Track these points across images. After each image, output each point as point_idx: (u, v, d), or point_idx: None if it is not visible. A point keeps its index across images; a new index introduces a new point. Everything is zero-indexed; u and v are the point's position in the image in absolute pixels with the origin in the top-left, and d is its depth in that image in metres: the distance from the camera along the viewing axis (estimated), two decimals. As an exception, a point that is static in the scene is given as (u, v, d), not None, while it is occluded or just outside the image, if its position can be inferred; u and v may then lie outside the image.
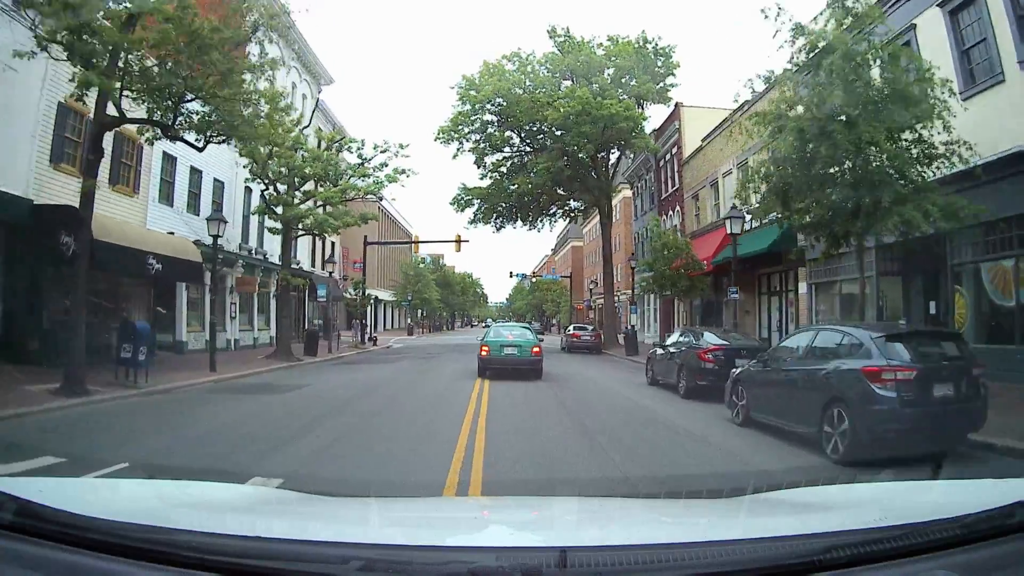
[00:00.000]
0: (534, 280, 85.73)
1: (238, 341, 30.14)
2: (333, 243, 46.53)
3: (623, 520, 2.53)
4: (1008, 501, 1.69)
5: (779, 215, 13.80)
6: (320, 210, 25.41)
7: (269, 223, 25.97)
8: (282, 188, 25.21)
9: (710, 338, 14.17)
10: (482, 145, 37.15)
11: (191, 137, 15.62)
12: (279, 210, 24.07)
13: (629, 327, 32.35)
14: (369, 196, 26.46)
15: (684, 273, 24.07)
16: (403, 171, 25.67)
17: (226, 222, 20.98)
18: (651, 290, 27.00)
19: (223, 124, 14.01)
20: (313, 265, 41.89)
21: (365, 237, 41.13)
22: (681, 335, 15.52)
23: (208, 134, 14.65)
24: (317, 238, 41.18)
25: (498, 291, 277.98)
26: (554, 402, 12.92)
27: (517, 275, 70.05)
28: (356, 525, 2.34)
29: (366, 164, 26.13)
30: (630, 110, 30.93)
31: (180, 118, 14.45)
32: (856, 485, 3.12)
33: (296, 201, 25.00)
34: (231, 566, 1.52)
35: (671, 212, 36.76)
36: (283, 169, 24.27)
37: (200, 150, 15.62)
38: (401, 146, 26.09)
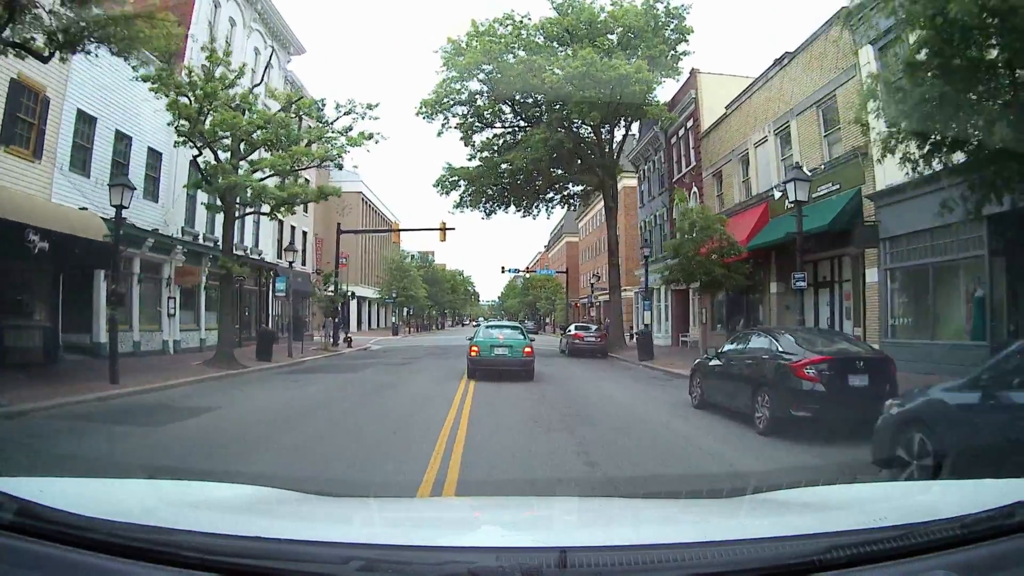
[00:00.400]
0: (528, 276, 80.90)
1: (179, 343, 25.37)
2: (305, 232, 41.73)
3: (623, 520, 2.48)
4: (1008, 501, 1.66)
5: (916, 151, 9.10)
6: (268, 181, 20.61)
7: (205, 198, 21.27)
8: (225, 156, 20.49)
9: (791, 343, 9.47)
10: (470, 119, 32.45)
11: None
12: (216, 181, 19.31)
13: (642, 326, 27.66)
14: (327, 163, 21.54)
15: (717, 259, 19.38)
16: (370, 135, 20.91)
17: (133, 188, 16.21)
18: (674, 280, 22.23)
19: (74, 21, 9.25)
20: (280, 256, 37.08)
21: (339, 225, 36.40)
22: (746, 338, 10.80)
23: (60, 39, 9.91)
24: (283, 224, 36.43)
25: (490, 289, 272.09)
26: (573, 449, 8.02)
27: (510, 270, 64.81)
28: (356, 525, 2.32)
29: (325, 126, 21.35)
30: (641, 71, 26.26)
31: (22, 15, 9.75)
32: (856, 485, 3.10)
33: (242, 173, 20.21)
34: (231, 566, 1.49)
35: (686, 195, 32.15)
36: (222, 130, 19.51)
37: (45, 60, 10.90)
38: (369, 106, 21.34)
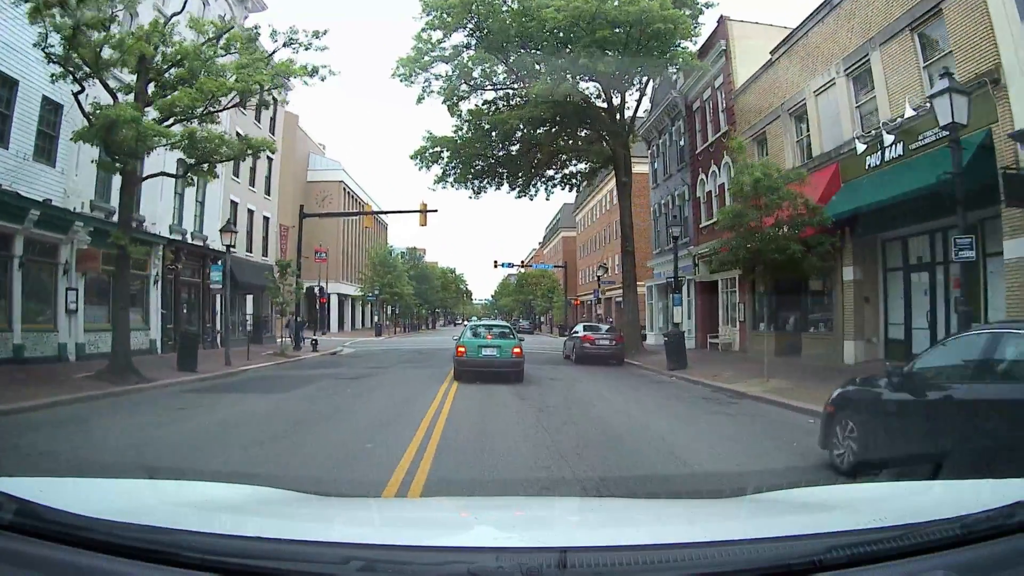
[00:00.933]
0: (523, 269, 75.14)
1: (83, 347, 19.98)
2: (267, 218, 36.32)
3: (623, 520, 2.43)
4: (1008, 501, 1.62)
5: None
6: (176, 127, 15.28)
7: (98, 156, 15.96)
8: (127, 99, 15.20)
9: None
10: (455, 81, 27.08)
11: None
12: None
13: (672, 326, 22.37)
14: (249, 97, 15.94)
15: (790, 233, 13.99)
16: (314, 70, 15.55)
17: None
18: (730, 263, 16.72)
19: None
20: (250, 249, 31.75)
21: (301, 207, 31.06)
22: (987, 343, 5.21)
23: None
24: (237, 206, 31.08)
25: (485, 288, 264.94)
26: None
27: (502, 264, 58.57)
28: (356, 525, 2.29)
29: (256, 55, 15.94)
30: (667, 8, 21.01)
31: None
32: (856, 485, 3.14)
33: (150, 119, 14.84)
34: (231, 566, 1.48)
35: (714, 168, 26.95)
36: (112, 49, 14.23)
37: None
38: (316, 34, 16.01)
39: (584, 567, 1.45)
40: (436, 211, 29.12)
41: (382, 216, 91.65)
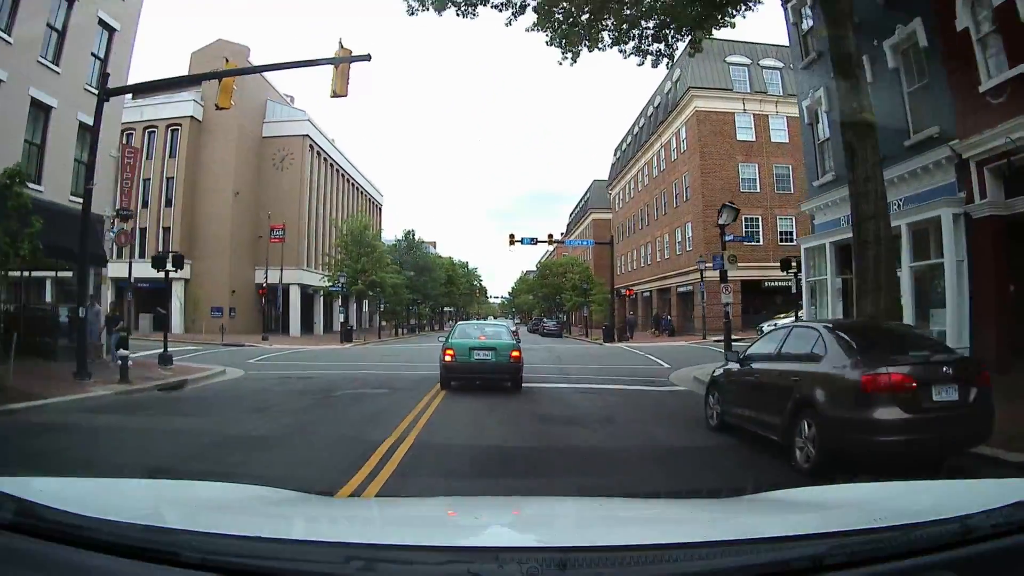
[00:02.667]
0: (550, 247, 58.05)
1: None
2: (84, 123, 20.19)
3: (623, 520, 2.41)
4: (1008, 501, 1.61)
5: None
6: None
7: None
8: None
9: None
10: None
11: None
12: None
13: None
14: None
15: None
16: None
17: None
18: None
19: None
20: (37, 180, 15.83)
21: (105, 76, 15.06)
22: None
23: None
24: None
25: (503, 287, 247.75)
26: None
27: (523, 241, 41.37)
28: (357, 525, 2.31)
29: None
30: None
31: None
32: (856, 485, 2.87)
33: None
34: (231, 566, 1.46)
35: None
36: None
37: None
38: None
39: (584, 567, 1.43)
40: (368, 58, 13.12)
41: (375, 196, 75.57)
